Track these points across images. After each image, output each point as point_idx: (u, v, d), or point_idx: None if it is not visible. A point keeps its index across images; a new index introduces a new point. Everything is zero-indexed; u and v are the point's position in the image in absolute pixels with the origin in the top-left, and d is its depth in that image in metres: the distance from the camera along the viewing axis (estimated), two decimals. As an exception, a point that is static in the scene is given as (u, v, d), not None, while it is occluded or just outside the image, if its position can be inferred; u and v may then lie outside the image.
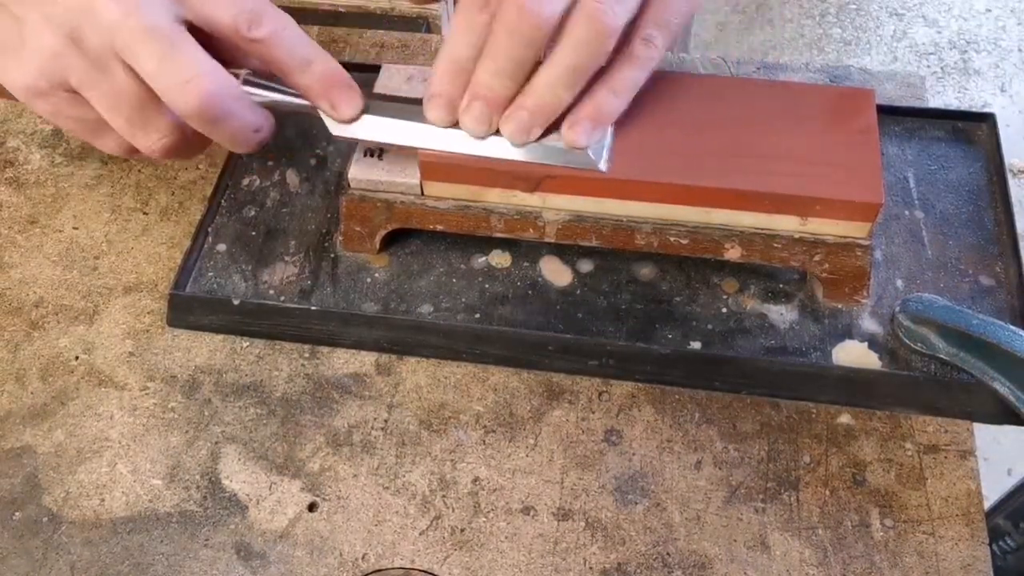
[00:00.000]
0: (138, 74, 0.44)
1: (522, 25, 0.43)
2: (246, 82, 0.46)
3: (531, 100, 0.45)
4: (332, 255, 0.56)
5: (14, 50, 0.45)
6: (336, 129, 0.48)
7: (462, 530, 0.48)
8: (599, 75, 0.46)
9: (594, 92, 0.46)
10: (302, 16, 0.49)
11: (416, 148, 0.49)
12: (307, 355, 0.54)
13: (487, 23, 0.44)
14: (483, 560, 0.47)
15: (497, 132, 0.47)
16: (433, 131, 0.48)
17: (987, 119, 0.60)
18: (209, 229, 0.57)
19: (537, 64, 0.45)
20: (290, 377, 0.53)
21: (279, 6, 0.46)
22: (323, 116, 0.48)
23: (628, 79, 0.46)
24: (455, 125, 0.47)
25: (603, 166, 0.48)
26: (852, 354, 0.51)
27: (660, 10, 0.46)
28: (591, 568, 0.47)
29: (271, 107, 0.47)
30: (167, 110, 0.45)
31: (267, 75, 0.47)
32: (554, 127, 0.47)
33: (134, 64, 0.43)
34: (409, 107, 0.48)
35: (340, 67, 0.47)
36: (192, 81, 0.43)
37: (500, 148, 0.47)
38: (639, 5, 0.45)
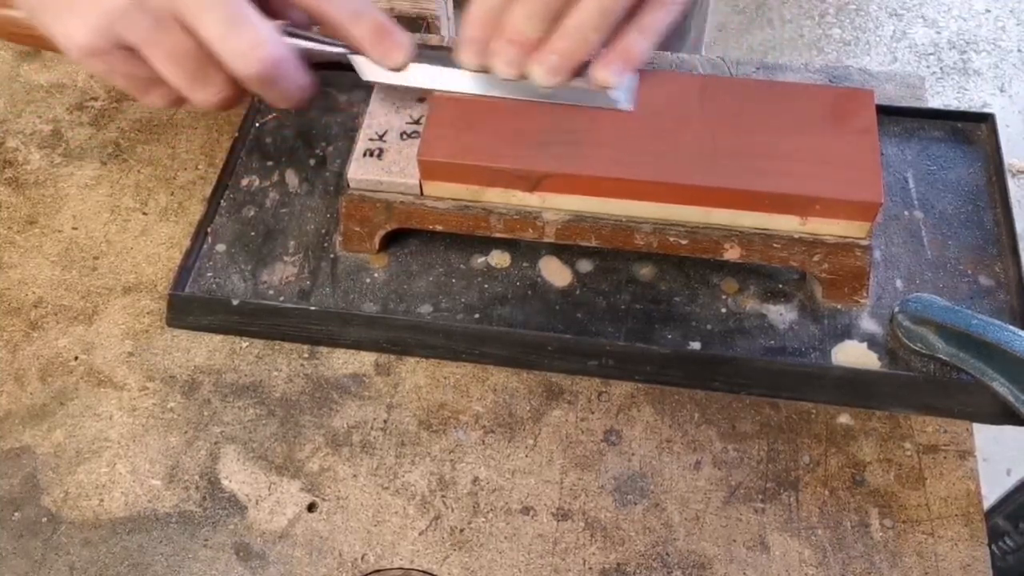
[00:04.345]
0: (199, 35, 0.45)
1: None
2: (285, 34, 0.48)
3: (562, 43, 0.47)
4: (331, 255, 0.56)
5: (73, 10, 0.45)
6: (371, 75, 0.50)
7: (461, 530, 0.48)
8: (626, 19, 0.47)
9: (624, 34, 0.48)
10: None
11: (447, 92, 0.51)
12: (306, 355, 0.54)
13: None
14: (482, 560, 0.47)
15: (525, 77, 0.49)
16: (463, 76, 0.50)
17: (986, 119, 0.60)
18: (208, 229, 0.57)
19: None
20: (289, 377, 0.53)
21: None
22: (355, 62, 0.50)
23: (656, 21, 0.48)
24: (486, 70, 0.49)
25: (628, 106, 0.50)
26: (851, 354, 0.51)
27: None
28: (590, 568, 0.47)
29: (306, 56, 0.49)
30: (224, 67, 0.47)
31: (302, 25, 0.49)
32: (582, 70, 0.48)
33: (197, 27, 0.45)
34: (441, 54, 0.50)
35: (388, 17, 0.49)
36: (255, 49, 0.45)
37: (529, 91, 0.49)
38: None
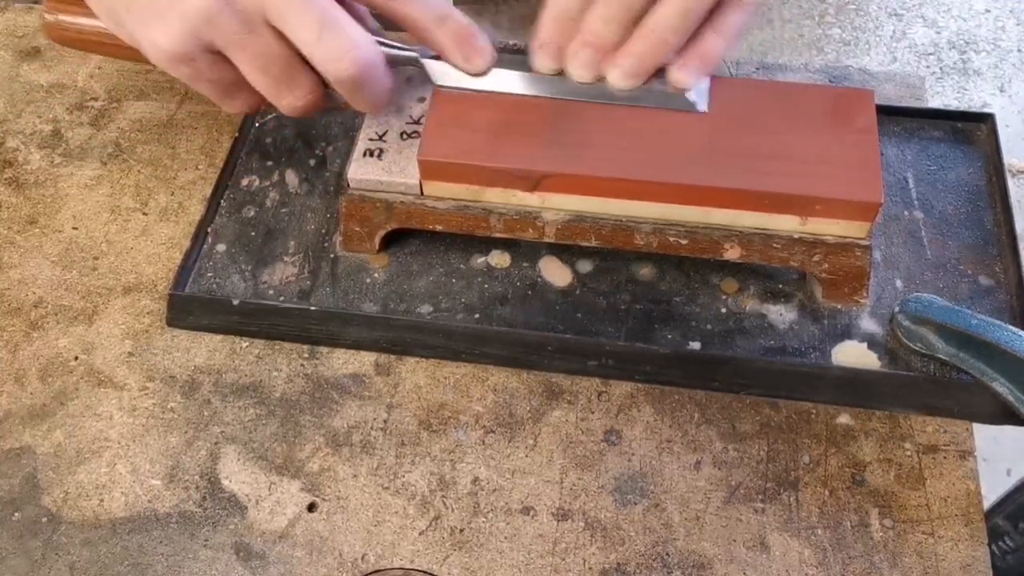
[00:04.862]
0: (287, 37, 0.45)
1: None
2: None
3: (639, 45, 0.46)
4: (331, 255, 0.56)
5: (160, 15, 0.45)
6: (445, 79, 0.50)
7: (461, 530, 0.48)
8: (705, 19, 0.47)
9: (701, 35, 0.47)
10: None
11: (523, 96, 0.50)
12: (306, 355, 0.54)
13: None
14: (482, 560, 0.47)
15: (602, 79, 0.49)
16: (538, 80, 0.50)
17: (986, 119, 0.60)
18: (208, 229, 0.57)
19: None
20: (289, 377, 0.53)
21: None
22: (429, 66, 0.50)
23: (735, 22, 0.47)
24: (562, 73, 0.49)
25: (704, 107, 0.49)
26: (851, 354, 0.51)
27: None
28: (590, 568, 0.47)
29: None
30: (311, 69, 0.46)
31: (374, 29, 0.49)
32: (658, 72, 0.48)
33: (288, 31, 0.44)
34: (516, 57, 0.50)
35: (471, 21, 0.49)
36: (350, 53, 0.45)
37: (605, 94, 0.49)
38: None
